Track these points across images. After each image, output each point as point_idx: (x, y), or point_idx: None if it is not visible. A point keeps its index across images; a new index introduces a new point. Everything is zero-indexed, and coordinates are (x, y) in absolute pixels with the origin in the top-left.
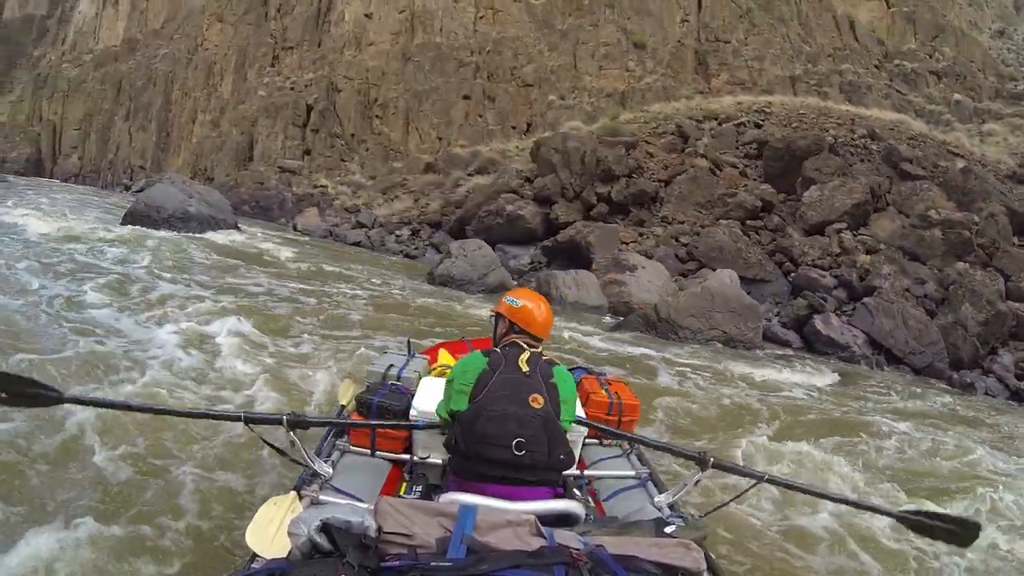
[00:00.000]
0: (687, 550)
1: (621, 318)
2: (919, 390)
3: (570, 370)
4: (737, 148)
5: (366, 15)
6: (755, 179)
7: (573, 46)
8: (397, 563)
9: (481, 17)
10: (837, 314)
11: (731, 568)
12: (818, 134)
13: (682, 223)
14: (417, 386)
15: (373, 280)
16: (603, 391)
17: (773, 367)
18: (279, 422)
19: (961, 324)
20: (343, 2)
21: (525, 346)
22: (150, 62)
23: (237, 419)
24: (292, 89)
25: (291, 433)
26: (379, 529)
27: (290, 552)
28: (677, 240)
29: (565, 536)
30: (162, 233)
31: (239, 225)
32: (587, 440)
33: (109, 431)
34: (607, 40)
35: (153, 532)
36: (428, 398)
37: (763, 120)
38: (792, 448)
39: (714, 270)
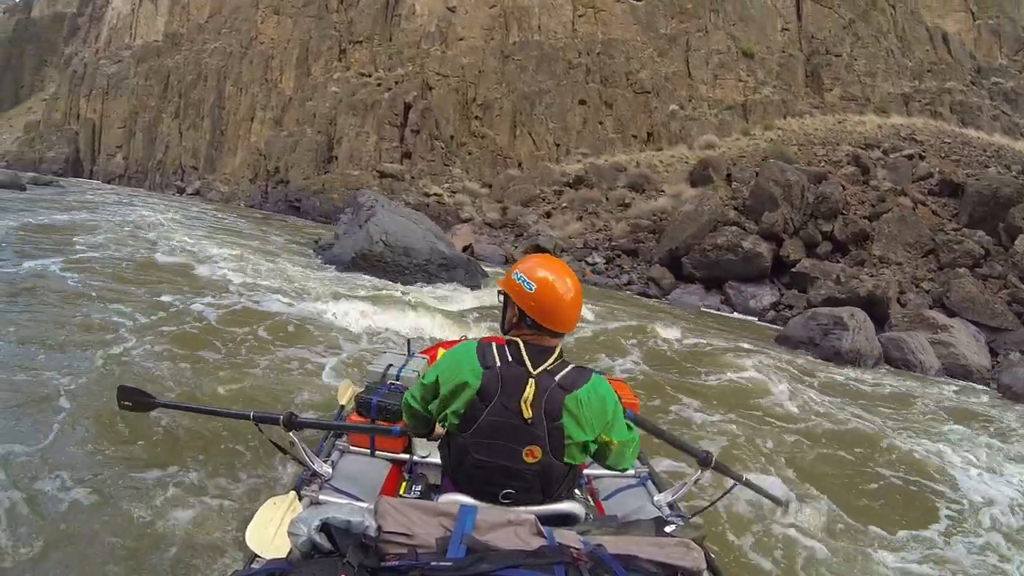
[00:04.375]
0: (687, 549)
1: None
2: None
3: None
4: (914, 183)
5: (449, 9)
6: (947, 219)
7: (684, 52)
8: (397, 563)
9: (580, 16)
10: None
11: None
12: (1012, 179)
13: (899, 264)
14: None
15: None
16: None
17: None
18: (276, 422)
19: None
20: None
21: (529, 364)
22: (198, 57)
23: (246, 417)
24: (379, 86)
25: (290, 433)
26: (379, 529)
27: (290, 552)
28: (918, 286)
29: (565, 535)
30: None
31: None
32: None
33: (111, 431)
34: (718, 48)
35: (153, 532)
36: None
37: (924, 152)
38: None
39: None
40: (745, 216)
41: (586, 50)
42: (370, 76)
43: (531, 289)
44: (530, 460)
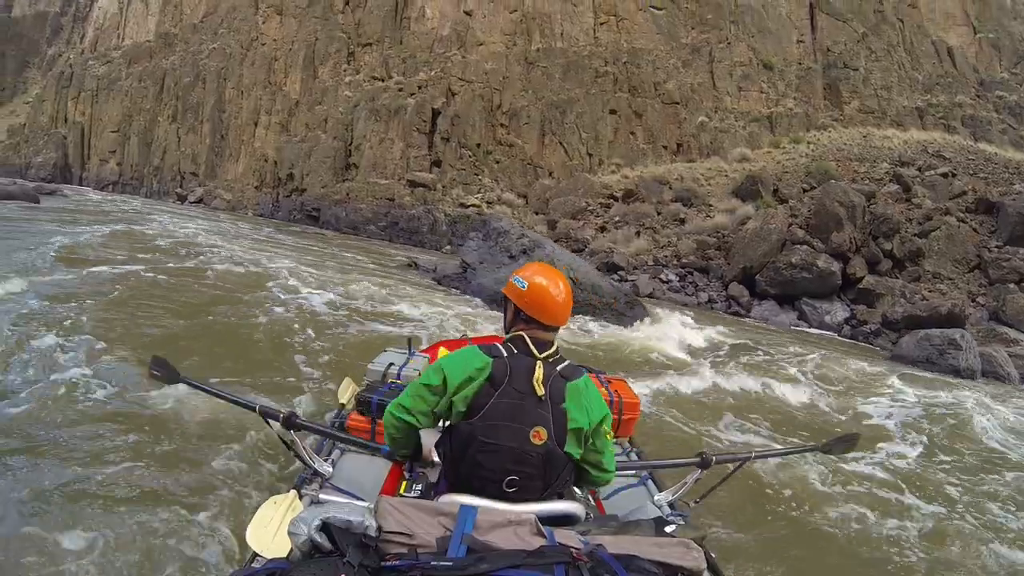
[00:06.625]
0: (687, 549)
1: None
2: None
3: None
4: (951, 200)
5: (465, 12)
6: (985, 235)
7: (708, 63)
8: (397, 562)
9: (602, 23)
10: None
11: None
12: None
13: (951, 279)
14: None
15: None
16: (603, 389)
17: None
18: (276, 418)
19: None
20: None
21: (534, 349)
22: (195, 58)
23: (251, 408)
24: (400, 90)
25: (290, 432)
26: (379, 528)
27: (290, 551)
28: (974, 301)
29: (565, 535)
30: None
31: None
32: None
33: (116, 428)
34: (741, 60)
35: (153, 532)
36: None
37: (955, 170)
38: None
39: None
40: (810, 234)
41: (612, 59)
42: (383, 80)
43: (524, 287)
44: (537, 442)
